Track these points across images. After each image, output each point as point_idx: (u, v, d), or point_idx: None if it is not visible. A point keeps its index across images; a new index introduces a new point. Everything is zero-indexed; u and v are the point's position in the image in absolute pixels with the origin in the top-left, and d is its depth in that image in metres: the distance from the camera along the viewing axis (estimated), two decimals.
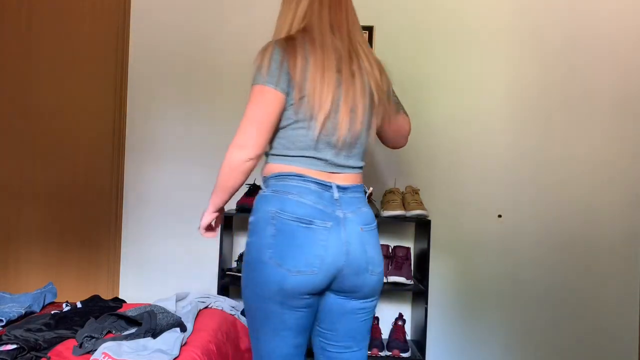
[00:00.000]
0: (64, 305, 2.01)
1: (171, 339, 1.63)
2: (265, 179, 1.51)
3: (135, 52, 2.84)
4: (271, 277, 1.41)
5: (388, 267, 2.58)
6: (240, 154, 1.44)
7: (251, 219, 1.48)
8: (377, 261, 1.49)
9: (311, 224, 1.42)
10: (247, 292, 1.49)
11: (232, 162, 1.45)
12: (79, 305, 2.01)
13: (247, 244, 1.48)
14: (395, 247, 2.67)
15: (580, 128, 2.78)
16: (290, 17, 1.58)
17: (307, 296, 1.43)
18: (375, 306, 1.55)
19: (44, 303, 2.07)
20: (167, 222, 2.82)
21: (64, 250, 2.86)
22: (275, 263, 1.41)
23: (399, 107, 1.65)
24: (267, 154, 1.53)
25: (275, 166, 1.50)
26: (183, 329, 1.74)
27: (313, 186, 1.46)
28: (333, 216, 1.44)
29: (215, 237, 1.69)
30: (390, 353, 2.50)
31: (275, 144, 1.51)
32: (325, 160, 1.48)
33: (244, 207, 2.55)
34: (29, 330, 1.64)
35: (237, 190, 1.52)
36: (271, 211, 1.44)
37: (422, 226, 2.62)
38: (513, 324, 2.78)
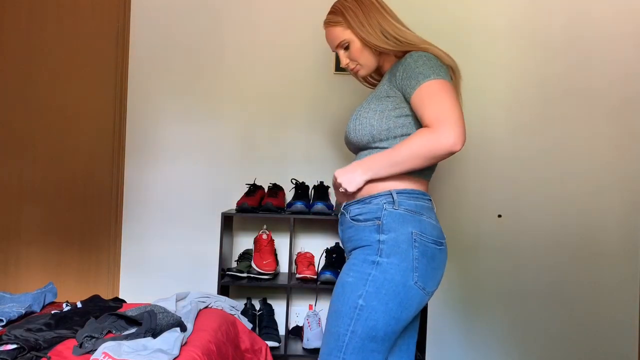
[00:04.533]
0: (64, 305, 2.01)
1: (171, 338, 1.63)
2: (394, 194, 1.46)
3: (135, 52, 2.84)
4: (414, 301, 1.42)
5: None
6: (457, 146, 1.40)
7: (384, 237, 1.43)
8: None
9: (442, 245, 1.49)
10: (379, 315, 1.40)
11: (442, 147, 1.39)
12: (79, 305, 2.01)
13: (382, 264, 1.42)
14: None
15: (581, 128, 2.78)
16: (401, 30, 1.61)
17: None
18: None
19: (44, 303, 2.06)
20: (167, 222, 2.82)
21: (64, 250, 2.86)
22: (420, 287, 1.42)
23: None
24: None
25: (405, 180, 1.49)
26: (183, 328, 1.74)
27: (430, 204, 1.53)
28: (442, 232, 1.52)
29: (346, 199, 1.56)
30: None
31: None
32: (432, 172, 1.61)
33: (244, 207, 2.55)
34: (29, 330, 1.64)
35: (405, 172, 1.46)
36: (412, 232, 1.43)
37: None
38: (513, 324, 2.78)
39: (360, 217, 1.48)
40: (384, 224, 1.44)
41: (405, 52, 1.58)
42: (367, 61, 1.64)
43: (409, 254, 1.41)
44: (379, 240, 1.43)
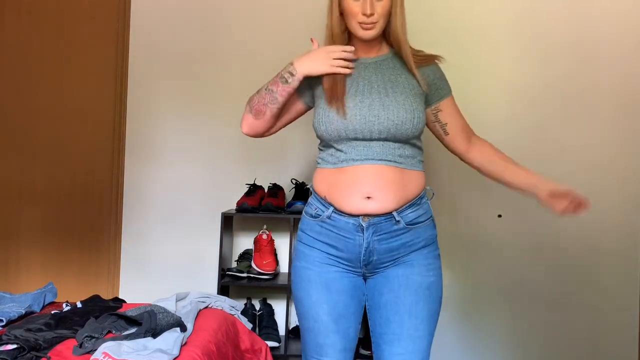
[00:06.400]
0: (64, 305, 2.01)
1: (171, 338, 1.63)
2: (429, 188, 1.66)
3: (135, 52, 2.84)
4: None
5: None
6: None
7: (436, 230, 1.62)
8: None
9: None
10: None
11: None
12: (79, 305, 2.01)
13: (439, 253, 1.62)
14: None
15: (580, 128, 2.78)
16: None
17: None
18: None
19: (44, 303, 2.06)
20: (167, 222, 2.82)
21: (64, 250, 2.86)
22: None
23: None
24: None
25: None
26: (183, 328, 1.74)
27: None
28: None
29: None
30: None
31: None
32: None
33: (244, 207, 2.55)
34: (29, 330, 1.64)
35: None
36: None
37: None
38: (513, 324, 2.78)
39: (420, 219, 1.54)
40: (434, 218, 1.59)
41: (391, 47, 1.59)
42: (381, 28, 1.51)
43: None
44: (436, 235, 1.59)
